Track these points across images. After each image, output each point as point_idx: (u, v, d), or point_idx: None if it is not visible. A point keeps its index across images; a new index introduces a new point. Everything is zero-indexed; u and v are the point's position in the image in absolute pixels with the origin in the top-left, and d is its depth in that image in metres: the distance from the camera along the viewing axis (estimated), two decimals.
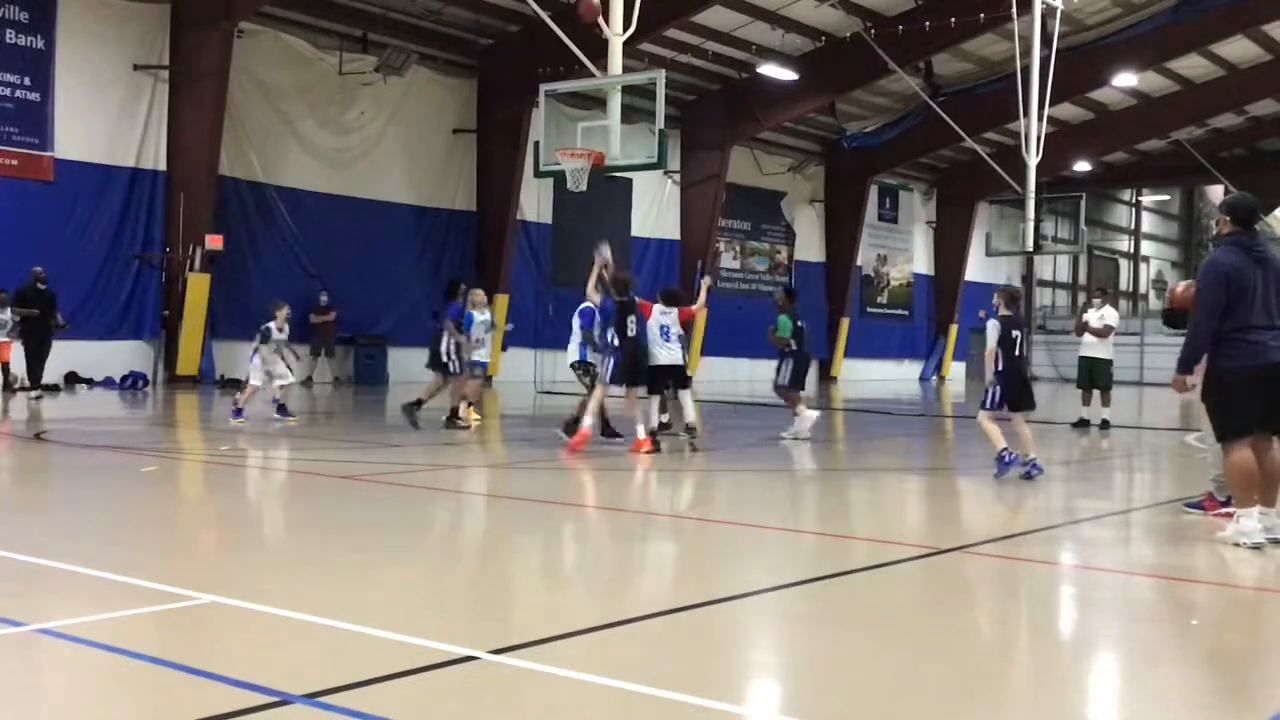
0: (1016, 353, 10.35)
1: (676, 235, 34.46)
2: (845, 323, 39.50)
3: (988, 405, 10.47)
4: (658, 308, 13.03)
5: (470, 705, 3.89)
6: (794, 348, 14.78)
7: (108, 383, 21.93)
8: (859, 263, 40.30)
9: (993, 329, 10.39)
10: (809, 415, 14.49)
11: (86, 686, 4.04)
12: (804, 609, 5.58)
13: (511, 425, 17.78)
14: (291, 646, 4.51)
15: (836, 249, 39.61)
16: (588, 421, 12.15)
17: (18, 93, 21.30)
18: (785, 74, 29.77)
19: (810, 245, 39.46)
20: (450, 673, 4.15)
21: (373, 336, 26.34)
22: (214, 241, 22.70)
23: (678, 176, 33.40)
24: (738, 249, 37.12)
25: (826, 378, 38.68)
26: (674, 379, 13.18)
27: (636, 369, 12.24)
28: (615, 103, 15.87)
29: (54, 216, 21.42)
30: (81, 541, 6.54)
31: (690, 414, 12.92)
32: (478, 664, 4.21)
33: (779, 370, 14.91)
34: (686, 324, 13.40)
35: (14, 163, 21.23)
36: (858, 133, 36.69)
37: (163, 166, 23.14)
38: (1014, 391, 10.40)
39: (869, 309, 41.84)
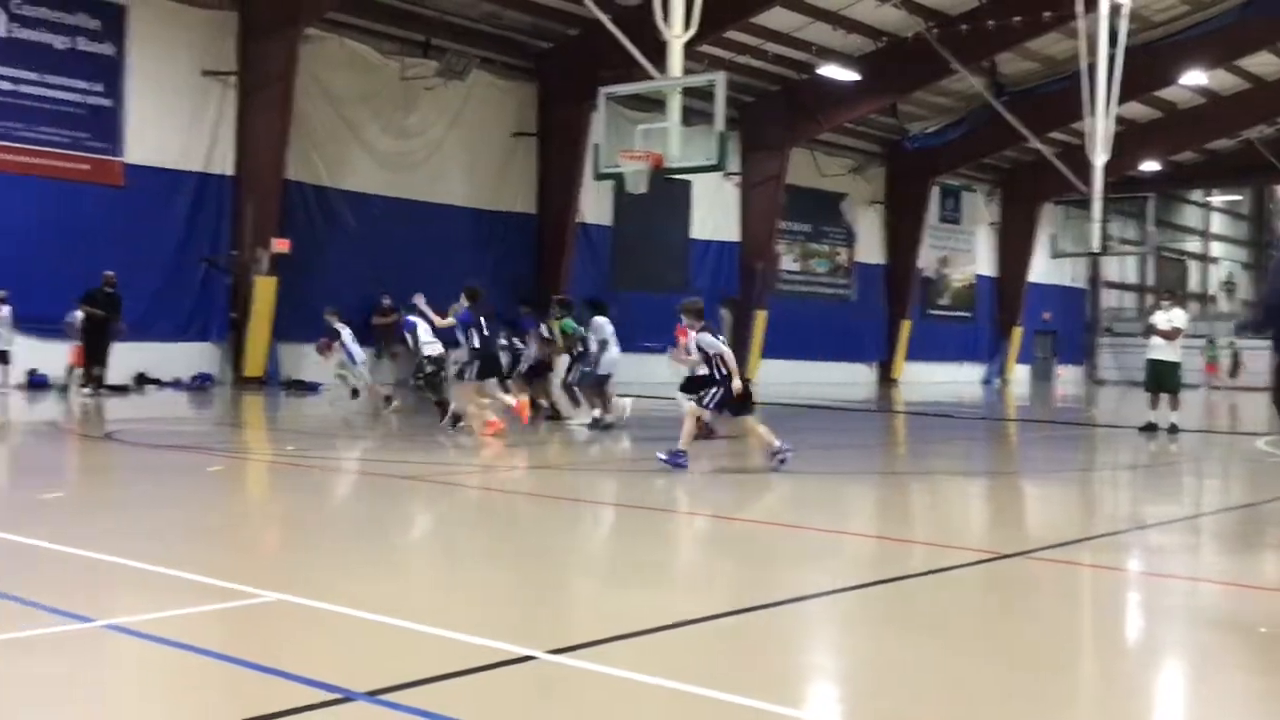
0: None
1: (736, 237, 34.40)
2: (906, 325, 39.18)
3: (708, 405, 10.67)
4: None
5: (528, 705, 3.92)
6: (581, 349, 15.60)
7: (176, 384, 22.34)
8: (920, 264, 39.96)
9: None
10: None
11: (154, 682, 4.13)
12: (863, 613, 5.55)
13: (569, 427, 17.82)
14: (354, 644, 4.57)
15: (897, 250, 39.30)
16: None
17: (90, 99, 21.78)
18: (846, 74, 29.60)
19: (871, 247, 39.19)
20: (509, 672, 4.18)
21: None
22: (280, 245, 23.04)
23: (737, 178, 33.33)
24: (798, 251, 36.97)
25: (887, 380, 38.40)
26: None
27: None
28: (675, 105, 15.89)
29: (124, 220, 21.86)
30: (150, 539, 6.67)
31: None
32: (536, 664, 4.24)
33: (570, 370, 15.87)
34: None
35: (86, 167, 21.71)
36: (919, 133, 36.41)
37: (230, 171, 23.54)
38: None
39: (930, 311, 41.46)
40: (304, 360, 22.89)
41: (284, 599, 5.14)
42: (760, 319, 34.06)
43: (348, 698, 3.76)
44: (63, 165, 21.38)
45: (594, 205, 29.70)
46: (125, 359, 20.60)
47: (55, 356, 20.19)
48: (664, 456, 10.35)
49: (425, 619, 4.77)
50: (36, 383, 20.24)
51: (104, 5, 21.85)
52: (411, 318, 14.64)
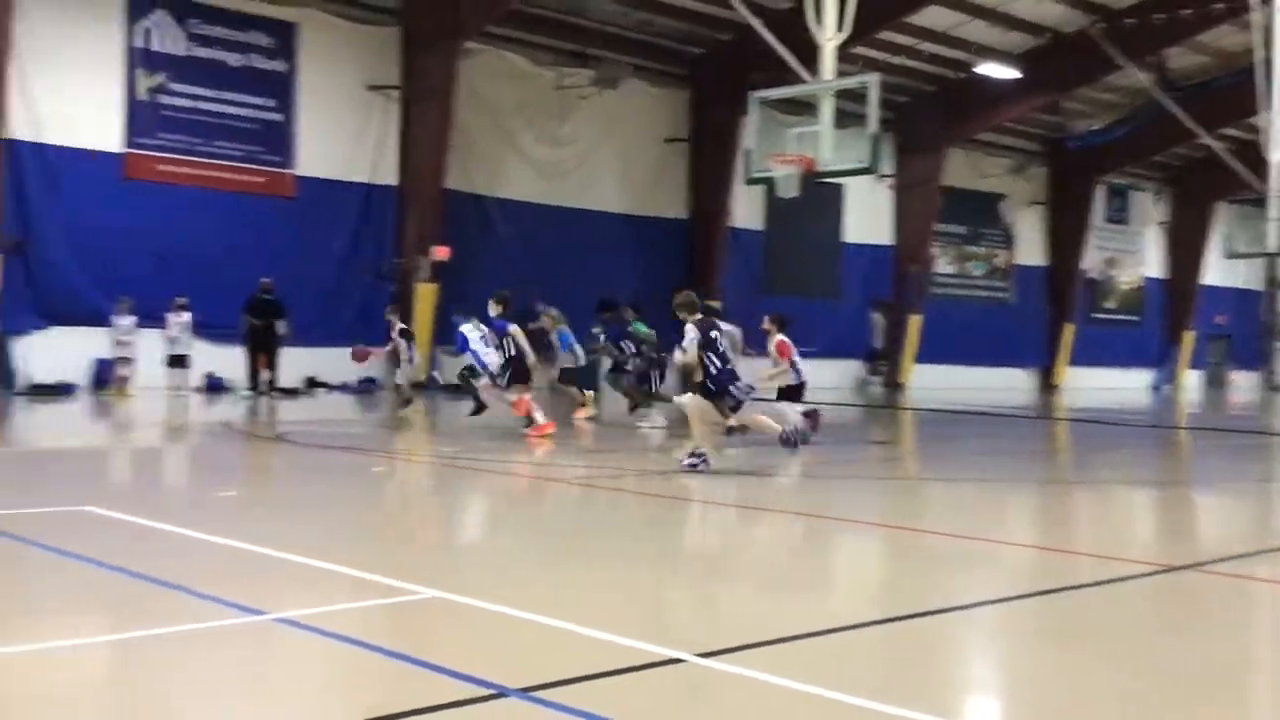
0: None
1: (889, 240, 33.87)
2: (1069, 329, 37.94)
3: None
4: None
5: (677, 706, 3.94)
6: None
7: (343, 387, 23.16)
8: (1084, 266, 38.64)
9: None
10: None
11: (319, 673, 4.31)
12: (1022, 624, 5.41)
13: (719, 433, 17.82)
14: (508, 641, 4.67)
15: (1059, 252, 38.08)
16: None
17: (263, 114, 22.81)
18: (1006, 72, 28.86)
19: (1031, 248, 38.07)
20: (658, 674, 4.21)
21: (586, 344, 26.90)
22: (440, 253, 23.69)
23: (891, 180, 32.82)
24: (953, 253, 36.18)
25: (1047, 386, 37.24)
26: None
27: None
28: (827, 108, 15.76)
29: (295, 230, 22.79)
30: (317, 537, 6.95)
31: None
32: (685, 666, 4.26)
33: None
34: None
35: (260, 180, 22.75)
36: (1083, 131, 35.23)
37: (394, 181, 24.32)
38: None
39: (1094, 314, 40.04)
40: (462, 365, 23.45)
41: (441, 596, 5.28)
42: (914, 323, 33.46)
43: (501, 694, 3.85)
44: (238, 178, 22.45)
45: (745, 209, 29.65)
46: (296, 363, 21.49)
47: (231, 361, 21.19)
48: (685, 461, 10.28)
49: (576, 619, 4.84)
50: (213, 386, 21.25)
51: (276, 23, 22.85)
52: (463, 331, 14.76)
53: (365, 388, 23.25)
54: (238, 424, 15.50)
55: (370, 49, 23.98)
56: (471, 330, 14.38)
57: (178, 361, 20.33)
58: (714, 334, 10.54)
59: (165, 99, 21.62)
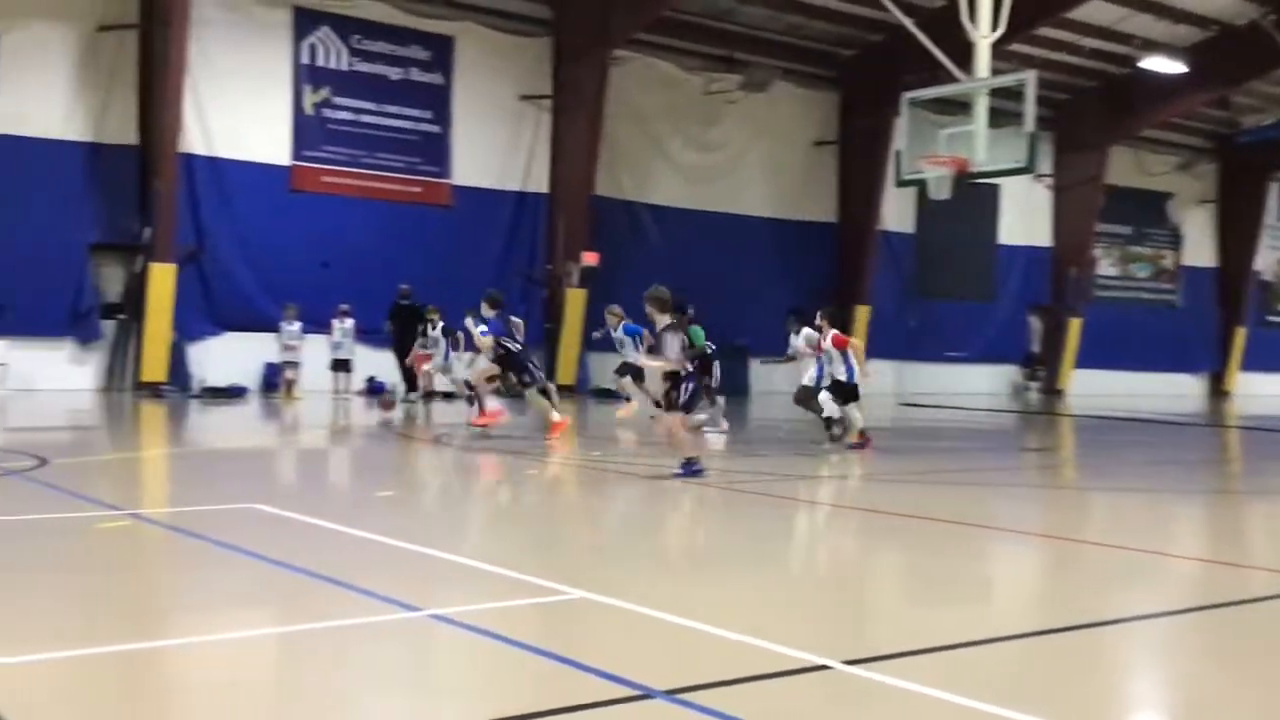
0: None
1: (1048, 242, 32.92)
2: (1240, 332, 36.23)
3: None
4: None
5: (822, 714, 3.93)
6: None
7: (497, 391, 23.60)
8: (1257, 267, 36.84)
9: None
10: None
11: (471, 669, 4.43)
12: (1184, 640, 5.21)
13: (872, 438, 17.59)
14: (654, 643, 4.72)
15: (1230, 252, 36.42)
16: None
17: (422, 126, 23.52)
18: (1172, 67, 27.75)
19: (1200, 249, 36.51)
20: (804, 680, 4.20)
21: (733, 348, 26.90)
22: (590, 258, 24.01)
23: (1050, 180, 31.89)
24: (1116, 255, 34.93)
25: (1218, 392, 35.63)
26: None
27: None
28: (982, 107, 15.44)
29: (451, 238, 23.41)
30: (469, 537, 7.13)
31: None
32: (831, 673, 4.24)
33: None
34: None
35: (419, 190, 23.47)
36: (1255, 126, 33.60)
37: (544, 189, 24.75)
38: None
39: (1270, 317, 38.11)
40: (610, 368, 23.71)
41: (588, 597, 5.36)
42: (1074, 327, 32.44)
43: (647, 695, 3.90)
44: (398, 188, 23.21)
45: (896, 212, 29.22)
46: (457, 366, 22.05)
47: (391, 365, 21.90)
48: (680, 470, 9.90)
49: (721, 623, 4.85)
50: (374, 389, 21.97)
51: (433, 37, 23.53)
52: (466, 326, 14.75)
53: (518, 392, 23.65)
54: (397, 427, 15.97)
55: (523, 60, 24.47)
56: (473, 326, 14.44)
57: (341, 366, 21.10)
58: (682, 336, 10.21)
59: (329, 113, 22.49)
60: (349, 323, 21.11)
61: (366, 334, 21.49)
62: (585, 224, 24.32)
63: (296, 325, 20.73)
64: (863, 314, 28.64)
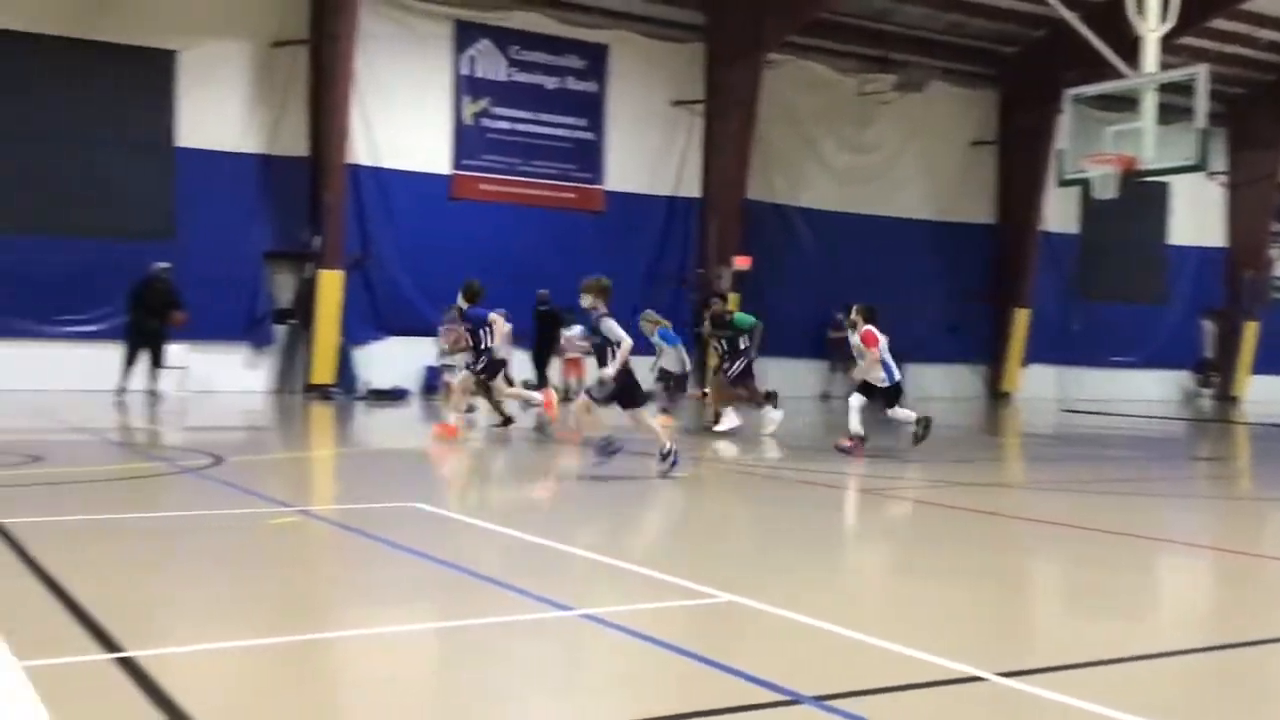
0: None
1: (1222, 242, 31.48)
2: None
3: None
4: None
5: None
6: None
7: (649, 395, 23.82)
8: None
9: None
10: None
11: (621, 668, 4.50)
12: None
13: (1032, 444, 17.14)
14: (803, 648, 4.71)
15: None
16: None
17: (576, 133, 23.92)
18: None
19: None
20: (956, 690, 4.14)
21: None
22: (741, 262, 24.01)
23: (1223, 178, 30.50)
24: None
25: None
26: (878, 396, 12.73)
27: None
28: (1150, 103, 14.91)
29: (604, 243, 23.69)
30: (622, 538, 7.23)
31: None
32: (984, 685, 4.17)
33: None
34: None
35: (573, 196, 23.88)
36: None
37: (696, 193, 24.86)
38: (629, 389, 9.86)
39: None
40: (769, 371, 23.65)
41: (737, 600, 5.38)
42: (1250, 331, 30.93)
43: (795, 700, 3.90)
44: (552, 195, 23.66)
45: (1058, 212, 28.36)
46: (595, 371, 22.31)
47: (550, 369, 22.29)
48: (663, 467, 9.83)
49: (873, 630, 4.82)
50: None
51: (588, 46, 23.90)
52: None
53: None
54: (554, 430, 16.25)
55: (675, 65, 24.63)
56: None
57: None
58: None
59: (488, 122, 23.06)
60: (508, 328, 21.56)
61: (523, 339, 21.90)
62: (737, 228, 24.32)
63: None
64: (1022, 317, 27.91)
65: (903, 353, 27.01)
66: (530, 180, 23.47)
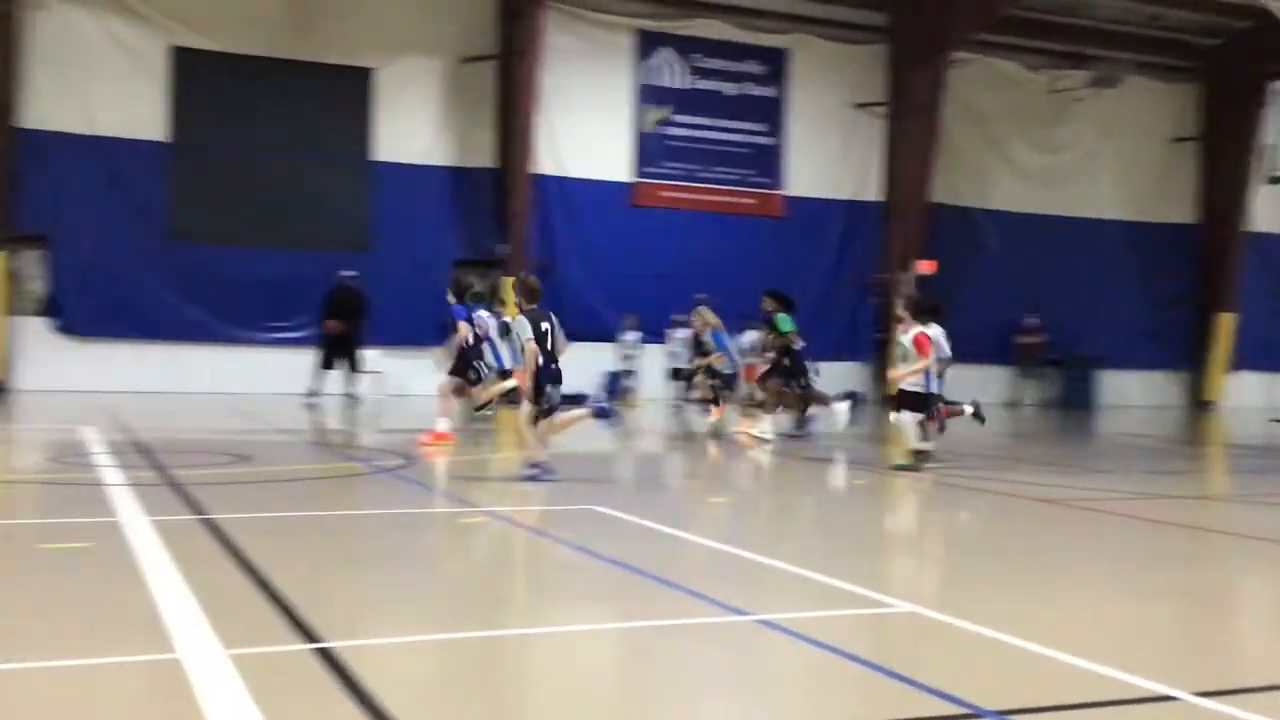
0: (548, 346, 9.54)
1: None
2: None
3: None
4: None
5: None
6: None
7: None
8: None
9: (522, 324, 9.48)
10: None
11: (796, 675, 4.50)
12: None
13: (1237, 456, 16.27)
14: (985, 661, 4.61)
15: None
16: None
17: (756, 139, 23.93)
18: None
19: None
20: (1146, 710, 3.99)
21: (1081, 358, 25.55)
22: (925, 266, 23.54)
23: None
24: None
25: None
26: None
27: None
28: None
29: (783, 249, 23.61)
30: (798, 544, 7.21)
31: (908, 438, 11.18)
32: (1178, 705, 4.00)
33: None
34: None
35: (752, 202, 23.91)
36: None
37: (877, 197, 24.51)
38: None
39: None
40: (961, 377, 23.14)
41: (917, 610, 5.31)
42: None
43: (977, 715, 3.83)
44: (732, 201, 23.74)
45: (1267, 211, 26.80)
46: None
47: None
48: (529, 471, 9.54)
49: (1055, 644, 4.68)
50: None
51: (769, 51, 23.89)
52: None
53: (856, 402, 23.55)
54: (733, 436, 16.28)
55: (856, 68, 24.37)
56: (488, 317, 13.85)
57: (677, 375, 21.73)
58: (545, 326, 9.60)
59: (668, 130, 23.31)
60: (684, 333, 21.71)
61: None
62: (921, 231, 23.86)
63: (635, 335, 21.54)
64: (1227, 321, 26.50)
65: (1097, 358, 26.11)
66: (710, 186, 23.60)
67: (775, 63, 23.99)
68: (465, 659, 4.58)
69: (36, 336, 19.60)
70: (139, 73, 20.00)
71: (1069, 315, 25.40)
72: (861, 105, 24.33)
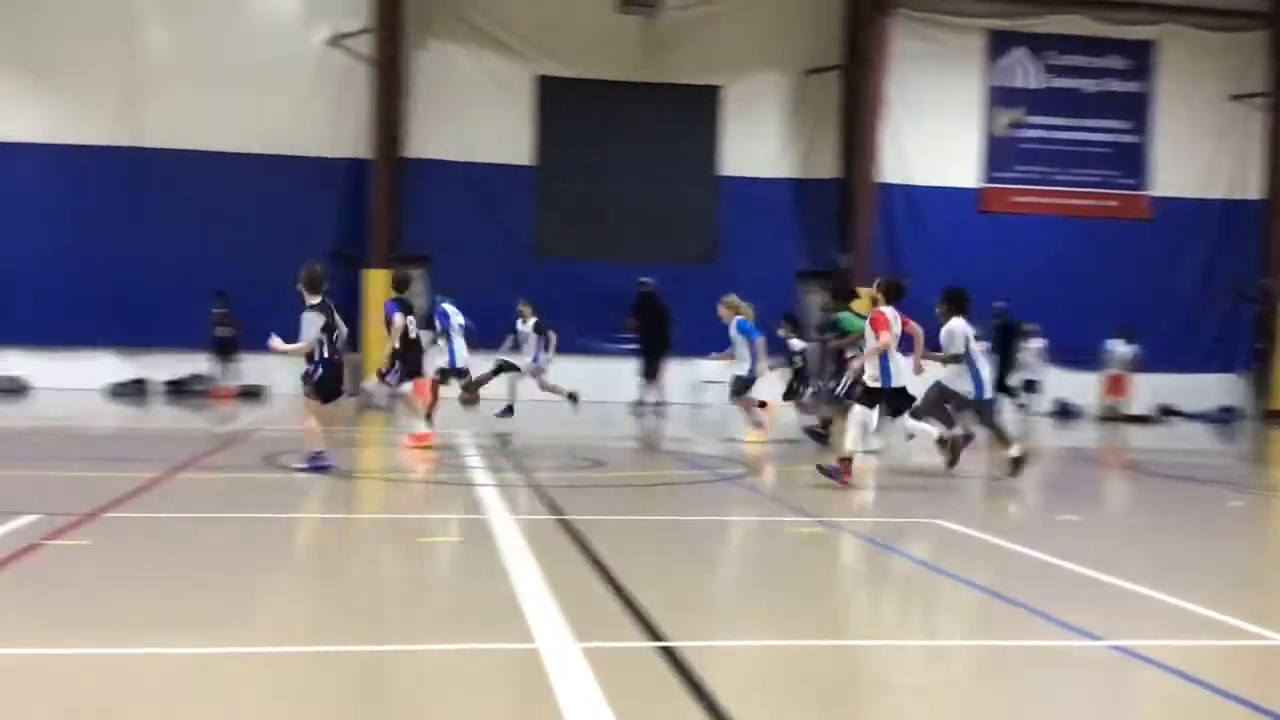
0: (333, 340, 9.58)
1: None
2: None
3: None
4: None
5: None
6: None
7: (1199, 416, 21.93)
8: None
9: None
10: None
11: (1155, 707, 4.25)
12: None
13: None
14: None
15: None
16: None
17: (1118, 137, 22.61)
18: None
19: None
20: None
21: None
22: None
23: None
24: None
25: None
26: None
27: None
28: None
29: (1147, 253, 22.16)
30: (1156, 567, 6.78)
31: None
32: None
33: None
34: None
35: (1114, 204, 22.59)
36: None
37: (1256, 195, 22.56)
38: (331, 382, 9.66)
39: None
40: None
41: None
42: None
43: None
44: (1091, 203, 22.53)
45: None
46: (1147, 389, 20.93)
47: (1083, 386, 21.24)
48: (303, 464, 9.46)
49: None
50: (1064, 411, 21.43)
51: (1133, 44, 22.53)
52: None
53: (1223, 417, 21.81)
54: (1089, 452, 15.49)
55: (1233, 57, 22.54)
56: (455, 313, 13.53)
57: (1029, 387, 20.87)
58: (335, 318, 9.55)
59: (1021, 132, 22.44)
60: (1038, 343, 20.82)
61: (1057, 355, 21.01)
62: None
63: (982, 345, 20.84)
64: None
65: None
66: (1066, 189, 22.51)
67: (1140, 56, 22.57)
68: (791, 665, 4.65)
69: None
70: (508, 102, 21.45)
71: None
72: (1238, 97, 22.44)
